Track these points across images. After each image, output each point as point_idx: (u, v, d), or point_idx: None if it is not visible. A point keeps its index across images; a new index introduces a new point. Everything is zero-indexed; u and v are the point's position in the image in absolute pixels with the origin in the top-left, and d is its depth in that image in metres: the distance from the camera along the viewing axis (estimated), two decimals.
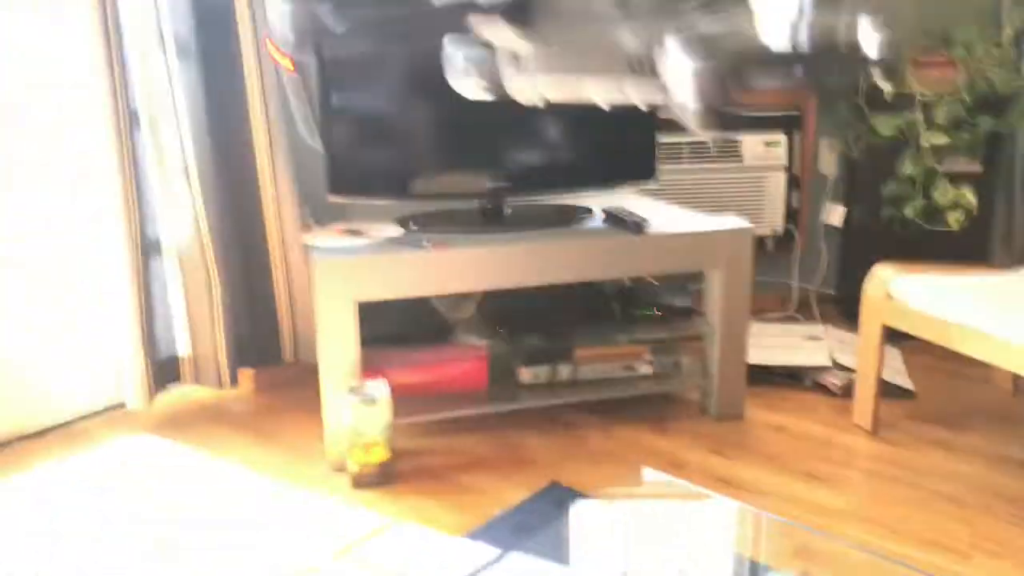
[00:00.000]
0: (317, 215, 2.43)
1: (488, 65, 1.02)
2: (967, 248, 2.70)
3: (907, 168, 2.61)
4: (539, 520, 1.84)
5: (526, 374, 2.23)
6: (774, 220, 2.95)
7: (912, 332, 2.06)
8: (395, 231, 2.15)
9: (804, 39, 0.76)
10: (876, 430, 2.21)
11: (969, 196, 2.58)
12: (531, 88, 1.00)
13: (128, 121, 2.12)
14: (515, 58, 1.00)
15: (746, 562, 1.64)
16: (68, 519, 1.86)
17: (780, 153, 2.87)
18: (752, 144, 2.85)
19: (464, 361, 2.21)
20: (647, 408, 2.34)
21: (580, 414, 2.30)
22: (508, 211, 2.27)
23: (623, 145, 2.32)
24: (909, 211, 2.64)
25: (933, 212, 2.64)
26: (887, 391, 2.32)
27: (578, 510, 1.83)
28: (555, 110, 1.07)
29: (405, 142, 2.23)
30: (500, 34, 0.97)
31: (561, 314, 2.29)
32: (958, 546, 1.73)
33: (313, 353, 2.49)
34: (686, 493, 1.48)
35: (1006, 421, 2.27)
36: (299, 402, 2.43)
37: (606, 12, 0.90)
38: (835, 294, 3.12)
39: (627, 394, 2.27)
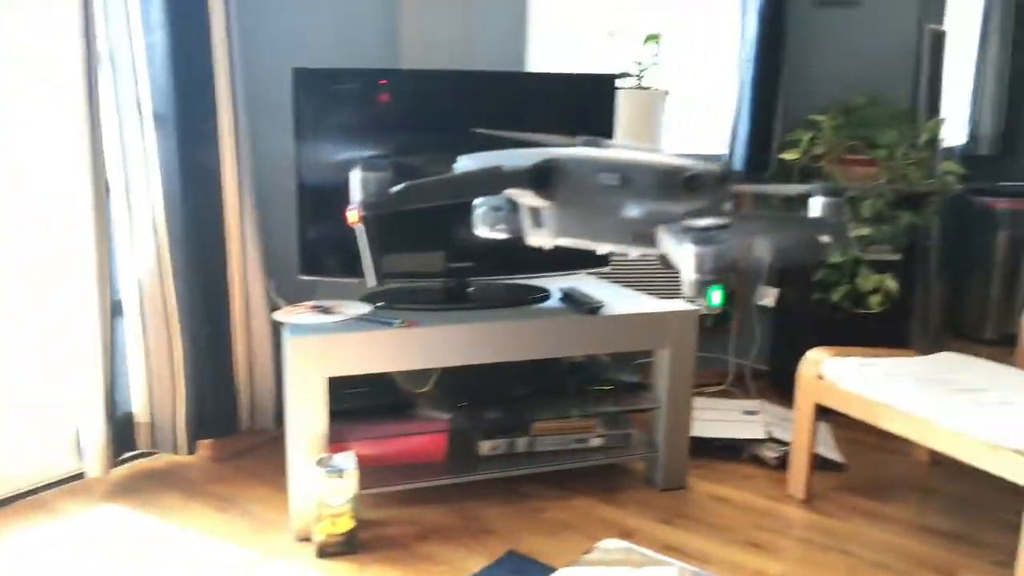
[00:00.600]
0: (285, 292, 2.53)
1: (508, 216, 1.19)
2: (888, 330, 2.93)
3: (835, 256, 2.84)
4: None
5: (485, 446, 2.34)
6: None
7: (841, 410, 2.25)
8: (363, 308, 2.26)
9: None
10: (809, 500, 2.37)
11: (890, 283, 2.81)
12: (548, 243, 1.17)
13: (104, 188, 2.21)
14: (534, 212, 1.16)
15: None
16: None
17: None
18: None
19: (425, 433, 2.31)
20: (598, 479, 2.46)
21: (536, 485, 2.41)
22: (471, 290, 2.40)
23: None
24: (836, 295, 2.86)
25: (858, 297, 2.86)
26: (819, 464, 2.50)
27: None
28: None
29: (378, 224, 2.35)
30: (523, 195, 1.13)
31: (518, 388, 2.41)
32: None
33: (268, 421, 2.57)
34: (646, 560, 1.60)
35: (926, 492, 2.46)
36: (258, 471, 2.49)
37: (612, 186, 1.06)
38: (769, 370, 3.31)
39: (580, 465, 2.40)
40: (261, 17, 2.55)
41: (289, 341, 2.05)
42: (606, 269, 2.58)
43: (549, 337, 2.25)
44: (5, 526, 2.16)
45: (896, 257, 2.93)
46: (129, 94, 2.23)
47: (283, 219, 2.48)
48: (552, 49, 3.14)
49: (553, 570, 2.00)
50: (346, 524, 2.06)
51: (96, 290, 2.22)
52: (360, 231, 1.12)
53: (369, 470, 2.21)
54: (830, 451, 2.64)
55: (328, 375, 2.07)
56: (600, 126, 2.43)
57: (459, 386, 2.40)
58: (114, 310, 2.32)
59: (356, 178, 1.09)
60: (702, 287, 0.96)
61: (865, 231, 2.78)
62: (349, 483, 2.04)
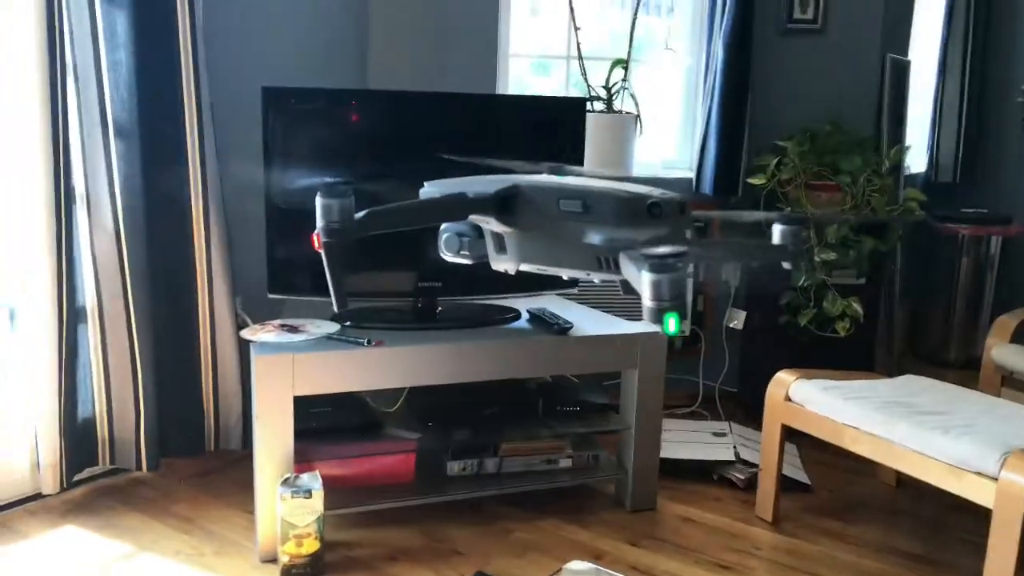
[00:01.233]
0: (252, 310, 2.51)
1: (473, 241, 1.21)
2: (853, 353, 2.97)
3: (801, 280, 2.87)
4: None
5: (454, 467, 2.33)
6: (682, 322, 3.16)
7: (808, 431, 2.26)
8: (332, 327, 2.24)
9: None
10: (777, 522, 2.38)
11: (856, 306, 2.85)
12: (512, 268, 1.19)
13: (66, 197, 2.18)
14: (498, 238, 1.18)
15: None
16: None
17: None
18: None
19: (393, 454, 2.29)
20: (567, 500, 2.45)
21: (505, 506, 2.40)
22: (440, 310, 2.40)
23: None
24: (803, 319, 2.89)
25: (824, 320, 2.89)
26: (786, 485, 2.51)
27: None
28: None
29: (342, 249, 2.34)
30: (487, 221, 1.15)
31: (487, 409, 2.40)
32: None
33: (234, 442, 2.53)
34: None
35: (892, 514, 2.48)
36: (221, 492, 2.45)
37: (575, 213, 1.08)
38: (737, 392, 3.33)
39: (549, 486, 2.39)
40: (229, 37, 2.54)
41: (256, 359, 2.03)
42: (574, 290, 2.58)
43: (518, 357, 2.24)
44: None
45: (861, 282, 2.97)
46: (94, 107, 2.21)
47: (251, 236, 2.46)
48: (520, 72, 3.16)
49: None
50: (312, 545, 2.03)
51: (53, 299, 2.18)
52: (324, 257, 1.12)
53: (336, 490, 2.18)
54: (797, 473, 2.66)
55: (295, 394, 2.05)
56: (570, 149, 2.45)
57: (427, 406, 2.38)
58: (77, 319, 2.28)
59: (318, 204, 1.09)
60: (659, 314, 0.97)
61: (830, 256, 2.81)
62: (315, 503, 2.02)
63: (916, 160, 3.97)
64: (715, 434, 2.90)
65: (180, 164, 2.34)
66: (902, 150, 3.17)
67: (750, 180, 3.00)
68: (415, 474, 2.31)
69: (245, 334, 2.18)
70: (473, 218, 1.20)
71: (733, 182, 3.05)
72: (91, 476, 2.45)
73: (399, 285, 2.38)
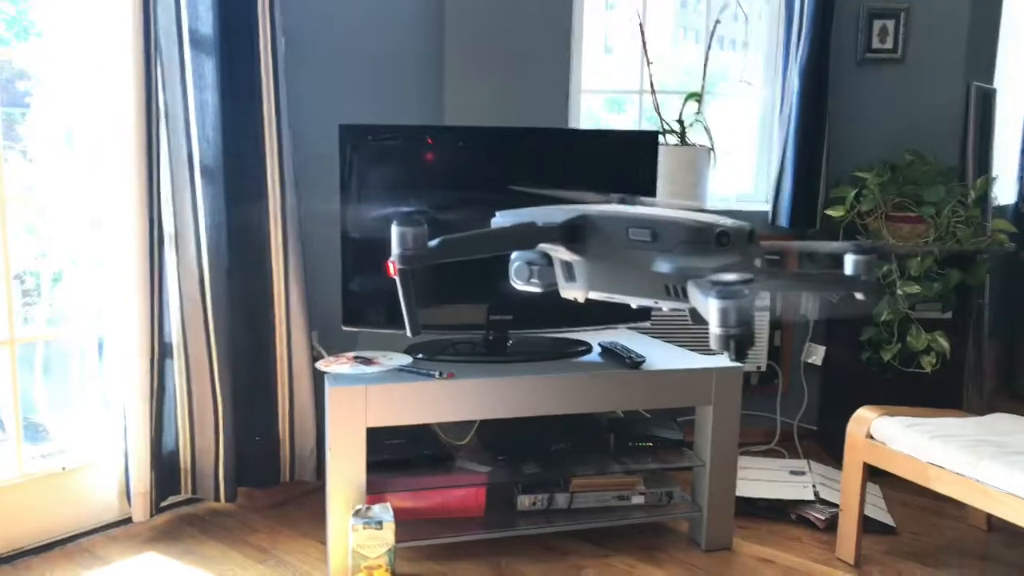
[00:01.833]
0: (327, 342, 2.56)
1: (543, 270, 1.24)
2: (939, 390, 2.85)
3: (884, 314, 2.79)
4: None
5: (524, 501, 2.31)
6: (758, 357, 3.10)
7: (891, 470, 2.18)
8: (404, 359, 2.27)
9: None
10: (858, 564, 2.29)
11: (942, 341, 2.75)
12: (581, 296, 1.21)
13: (158, 236, 2.28)
14: (567, 266, 1.20)
15: None
16: None
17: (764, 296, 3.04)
18: None
19: (464, 487, 2.29)
20: (640, 538, 2.41)
21: (576, 542, 2.37)
22: (511, 343, 2.40)
23: None
24: (886, 354, 2.80)
25: (908, 356, 2.79)
26: (869, 526, 2.42)
27: None
28: None
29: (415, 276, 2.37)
30: (556, 249, 1.18)
31: (558, 443, 2.39)
32: None
33: (308, 473, 2.57)
34: None
35: (982, 559, 2.36)
36: (295, 523, 2.49)
37: (643, 242, 1.10)
38: (816, 429, 3.24)
39: (621, 523, 2.35)
40: (309, 77, 2.63)
41: (330, 391, 2.06)
42: (647, 324, 2.56)
43: (590, 391, 2.23)
44: (49, 571, 2.18)
45: (947, 316, 2.86)
46: (181, 147, 2.30)
47: (327, 270, 2.52)
48: (592, 108, 3.18)
49: None
50: None
51: (145, 334, 2.26)
52: (399, 284, 1.16)
53: (407, 523, 2.20)
54: (880, 514, 2.56)
55: (368, 425, 2.08)
56: (643, 182, 2.44)
57: (498, 439, 2.38)
58: (165, 353, 2.36)
59: (394, 232, 1.13)
60: (726, 340, 0.97)
61: (913, 289, 2.72)
62: (386, 535, 2.03)
63: (1005, 191, 3.83)
64: (793, 472, 2.81)
65: (261, 201, 2.42)
66: (989, 180, 3.06)
67: (828, 212, 2.94)
68: (485, 508, 2.31)
69: (320, 366, 2.23)
70: (543, 247, 1.22)
71: (811, 214, 2.99)
72: (172, 504, 2.52)
73: (470, 318, 2.40)
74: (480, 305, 2.39)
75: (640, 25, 2.96)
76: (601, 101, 3.23)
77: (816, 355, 3.16)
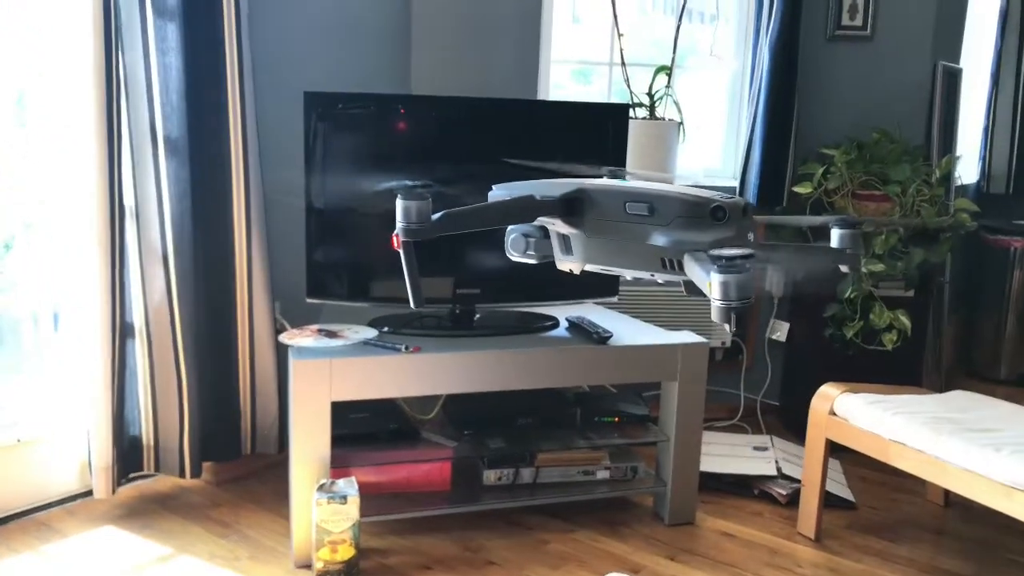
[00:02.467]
0: (290, 315, 2.51)
1: (539, 242, 1.26)
2: (900, 367, 2.89)
3: (848, 292, 2.81)
4: None
5: (490, 476, 2.31)
6: (722, 333, 3.12)
7: (852, 446, 2.21)
8: (369, 333, 2.24)
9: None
10: (819, 539, 2.32)
11: (904, 319, 2.78)
12: (577, 268, 1.24)
13: (119, 212, 2.21)
14: (564, 239, 1.23)
15: None
16: None
17: None
18: None
19: (430, 461, 2.27)
20: (604, 512, 2.42)
21: (541, 516, 2.37)
22: (478, 316, 2.38)
23: None
24: (849, 331, 2.82)
25: (870, 333, 2.82)
26: (829, 501, 2.45)
27: None
28: None
29: (381, 248, 2.34)
30: (554, 223, 1.21)
31: (523, 418, 2.38)
32: None
33: (270, 445, 2.54)
34: None
35: (939, 533, 2.41)
36: (259, 497, 2.46)
37: (640, 216, 1.13)
38: (779, 405, 3.27)
39: (586, 497, 2.36)
40: (273, 44, 2.56)
41: (294, 364, 2.03)
42: (614, 299, 2.55)
43: (556, 366, 2.22)
44: (5, 544, 2.13)
45: (908, 294, 2.89)
46: (143, 115, 2.23)
47: (290, 242, 2.48)
48: (560, 78, 3.15)
49: None
50: (347, 552, 2.02)
51: (106, 312, 2.20)
52: (402, 256, 1.17)
53: (371, 497, 2.18)
54: (841, 489, 2.59)
55: (333, 399, 2.05)
56: (613, 155, 2.42)
57: (464, 414, 2.37)
58: (127, 332, 2.31)
59: (398, 206, 1.15)
60: (727, 313, 1.01)
61: (877, 267, 2.75)
62: (351, 510, 2.01)
63: (967, 170, 3.88)
64: (756, 448, 2.84)
65: (225, 171, 2.36)
66: (953, 160, 3.09)
67: (795, 189, 2.95)
68: (451, 482, 2.30)
69: (284, 339, 2.19)
70: (540, 220, 1.24)
71: (778, 191, 3.00)
72: (136, 477, 2.48)
73: (437, 291, 2.37)
74: (447, 278, 2.36)
75: None
76: (568, 72, 3.19)
77: (780, 332, 3.19)
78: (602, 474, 2.38)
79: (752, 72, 3.04)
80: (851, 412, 2.21)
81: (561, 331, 2.38)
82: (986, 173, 3.96)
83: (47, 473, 2.33)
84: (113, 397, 2.25)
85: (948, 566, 2.22)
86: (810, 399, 2.32)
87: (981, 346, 3.83)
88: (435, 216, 1.16)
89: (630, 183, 1.20)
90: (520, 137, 2.38)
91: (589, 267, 1.25)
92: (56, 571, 2.04)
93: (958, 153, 3.31)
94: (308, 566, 2.07)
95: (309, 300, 2.32)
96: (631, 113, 2.78)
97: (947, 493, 2.56)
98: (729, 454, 2.77)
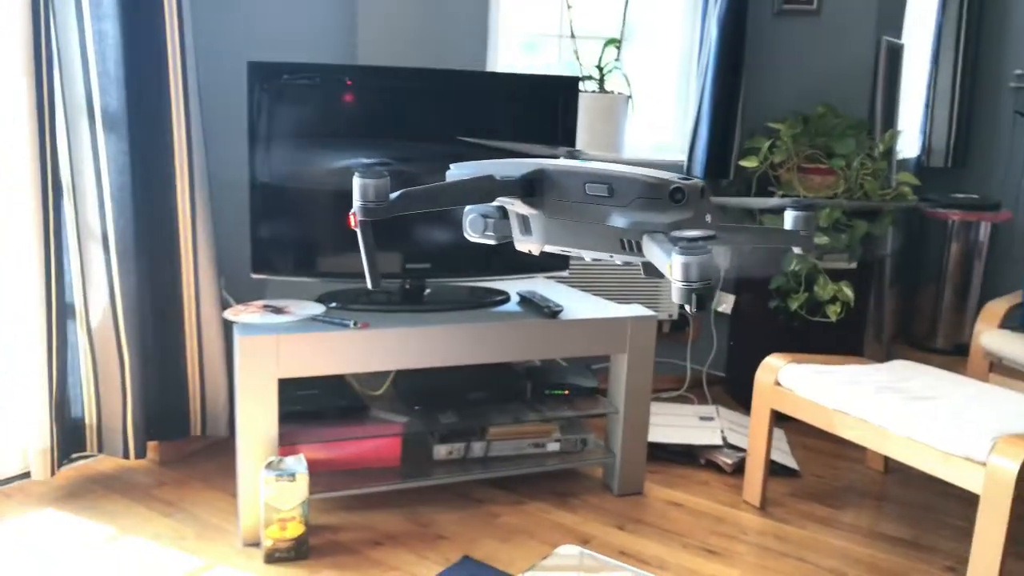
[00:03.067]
0: (235, 291, 2.47)
1: (498, 223, 1.27)
2: (842, 338, 2.96)
3: (792, 264, 2.85)
4: None
5: (440, 451, 2.30)
6: (669, 306, 3.15)
7: (797, 416, 2.25)
8: (316, 308, 2.21)
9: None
10: (764, 506, 2.37)
11: (847, 290, 2.84)
12: (536, 249, 1.25)
13: (54, 189, 2.13)
14: (523, 220, 1.23)
15: None
16: None
17: None
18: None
19: (379, 437, 2.26)
20: (555, 484, 2.44)
21: (492, 490, 2.38)
22: (428, 292, 2.37)
23: None
24: (793, 303, 2.87)
25: (814, 305, 2.88)
26: (774, 470, 2.51)
27: None
28: None
29: (328, 223, 2.31)
30: (513, 203, 1.22)
31: (474, 392, 2.38)
32: None
33: (220, 428, 2.50)
34: (602, 567, 1.58)
35: (880, 499, 2.48)
36: (205, 475, 2.43)
37: (600, 197, 1.13)
38: (725, 376, 3.32)
39: (536, 470, 2.37)
40: (216, 10, 2.49)
41: (239, 340, 2.00)
42: (565, 273, 2.56)
43: (507, 340, 2.22)
44: None
45: (852, 266, 2.95)
46: (77, 85, 2.15)
47: (235, 215, 2.43)
48: (508, 49, 3.12)
49: (508, 575, 1.97)
50: (296, 529, 2.01)
51: (42, 291, 2.14)
52: (359, 235, 1.17)
53: (321, 474, 2.16)
54: (785, 457, 2.65)
55: (279, 376, 2.02)
56: (564, 128, 2.41)
57: (414, 389, 2.36)
58: (66, 312, 2.24)
59: (356, 184, 1.13)
60: (688, 294, 1.01)
61: (822, 240, 2.79)
62: (300, 487, 1.99)
63: (909, 145, 3.96)
64: (702, 418, 2.88)
65: (166, 144, 2.28)
66: (895, 134, 3.14)
67: (742, 163, 2.97)
68: (401, 458, 2.29)
69: (228, 315, 2.15)
70: (499, 200, 1.24)
71: (725, 165, 3.02)
72: (78, 458, 2.42)
73: (386, 266, 2.35)
74: (397, 253, 2.34)
75: None
76: (517, 43, 3.16)
77: (726, 304, 3.23)
78: (552, 446, 2.40)
79: (700, 46, 3.05)
80: (796, 382, 2.25)
81: (512, 305, 2.37)
82: (926, 147, 4.04)
83: None
84: (51, 376, 2.19)
85: (889, 530, 2.28)
86: (755, 370, 2.36)
87: (920, 317, 3.93)
88: (393, 195, 1.15)
89: (590, 164, 1.21)
90: (470, 109, 2.36)
91: (548, 248, 1.25)
92: None
93: (900, 127, 3.37)
94: (256, 544, 2.05)
95: (254, 275, 2.28)
96: (580, 86, 2.77)
97: (887, 460, 2.63)
98: (676, 424, 2.81)
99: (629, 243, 1.15)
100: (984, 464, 1.80)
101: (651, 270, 1.14)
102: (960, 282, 3.82)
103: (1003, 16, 4.04)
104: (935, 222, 3.84)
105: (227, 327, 2.37)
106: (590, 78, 2.89)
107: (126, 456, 2.34)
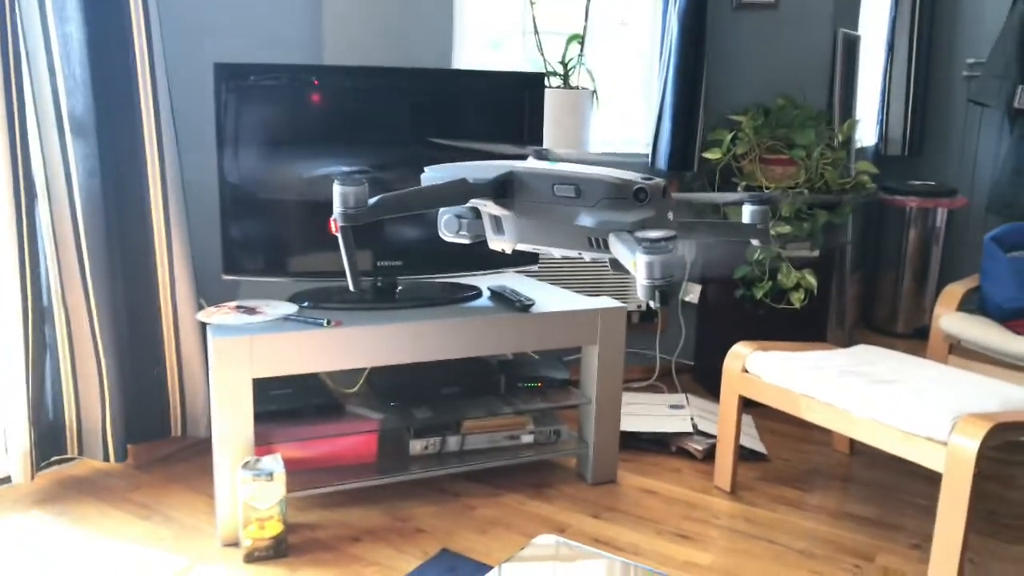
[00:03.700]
0: (207, 292, 2.47)
1: (471, 223, 1.33)
2: (806, 325, 3.02)
3: (756, 254, 2.91)
4: None
5: (416, 446, 2.33)
6: (637, 298, 3.19)
7: (764, 402, 2.31)
8: (289, 308, 2.22)
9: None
10: (734, 491, 2.43)
11: (810, 278, 2.90)
12: (508, 248, 1.32)
13: (27, 193, 2.12)
14: (496, 220, 1.30)
15: None
16: None
17: None
18: None
19: (355, 434, 2.28)
20: (530, 475, 2.47)
21: (468, 483, 2.41)
22: (400, 289, 2.38)
23: None
24: (758, 292, 2.93)
25: (779, 293, 2.94)
26: (743, 455, 2.56)
27: None
28: None
29: (298, 223, 2.31)
30: (486, 204, 1.28)
31: (448, 387, 2.40)
32: None
33: (200, 428, 2.50)
34: (578, 555, 1.61)
35: (846, 480, 2.54)
36: (183, 477, 2.43)
37: (567, 197, 1.20)
38: (693, 365, 3.38)
39: (511, 462, 2.40)
40: (182, 9, 2.48)
41: (213, 342, 2.00)
42: (535, 267, 2.59)
43: (480, 335, 2.24)
44: None
45: (814, 254, 3.02)
46: (46, 90, 2.14)
47: (206, 217, 2.42)
48: (476, 46, 3.14)
49: (487, 567, 2.00)
50: (274, 528, 2.02)
51: (19, 294, 2.12)
52: (340, 240, 1.21)
53: (298, 472, 2.18)
54: (754, 443, 2.71)
55: (254, 376, 2.03)
56: (530, 124, 2.44)
57: (389, 386, 2.37)
58: (43, 314, 2.23)
59: (336, 191, 1.18)
60: (652, 291, 1.07)
61: (784, 229, 2.85)
62: (277, 486, 2.01)
63: (867, 134, 4.05)
64: (672, 407, 2.93)
65: (137, 146, 2.27)
66: (853, 124, 3.22)
67: (705, 155, 3.02)
68: (377, 454, 2.31)
69: (201, 316, 2.15)
70: (472, 202, 1.29)
71: (688, 157, 3.07)
72: (57, 461, 2.40)
73: (358, 264, 2.35)
74: (368, 251, 2.35)
75: None
76: (482, 40, 3.18)
77: (692, 294, 3.28)
78: (527, 438, 2.43)
79: (662, 41, 3.09)
80: (763, 369, 2.30)
81: (484, 300, 2.40)
82: (883, 136, 4.14)
83: None
84: (29, 378, 2.18)
85: (855, 510, 2.35)
86: (723, 358, 2.41)
87: (881, 302, 4.03)
88: (371, 200, 1.20)
89: (558, 166, 1.27)
90: (437, 107, 2.38)
91: (520, 246, 1.31)
92: None
93: (858, 117, 3.44)
94: (235, 544, 2.06)
95: (225, 276, 2.28)
96: (545, 82, 2.80)
97: (852, 442, 2.70)
98: (647, 413, 2.86)
99: (596, 241, 1.21)
100: (945, 443, 1.86)
101: (618, 265, 1.20)
102: (919, 267, 3.92)
103: (955, 7, 4.14)
104: (893, 209, 3.93)
105: (204, 327, 2.36)
106: (555, 74, 2.92)
107: (106, 459, 2.33)
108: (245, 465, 2.01)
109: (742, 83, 3.19)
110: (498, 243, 1.33)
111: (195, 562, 2.00)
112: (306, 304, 2.27)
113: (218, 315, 2.14)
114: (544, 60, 2.92)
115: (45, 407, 2.28)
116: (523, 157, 1.38)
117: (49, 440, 2.30)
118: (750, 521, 2.27)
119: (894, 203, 3.91)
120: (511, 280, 2.63)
